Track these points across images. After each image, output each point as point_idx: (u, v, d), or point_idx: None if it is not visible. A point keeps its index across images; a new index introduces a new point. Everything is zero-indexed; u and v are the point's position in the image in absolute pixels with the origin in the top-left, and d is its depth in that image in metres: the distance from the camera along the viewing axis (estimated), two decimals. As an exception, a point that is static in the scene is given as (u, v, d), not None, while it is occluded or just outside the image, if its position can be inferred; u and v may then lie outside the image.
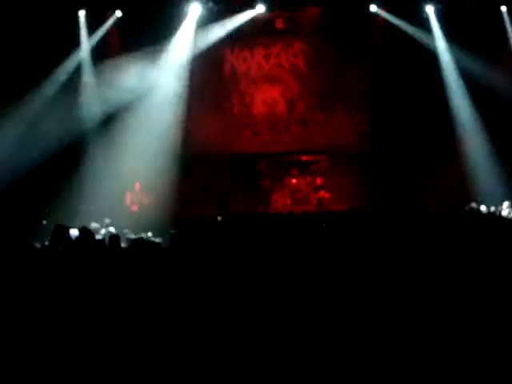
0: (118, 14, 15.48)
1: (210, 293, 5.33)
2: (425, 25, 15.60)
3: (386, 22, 15.83)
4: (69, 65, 15.16)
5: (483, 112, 15.17)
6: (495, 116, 15.09)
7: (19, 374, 4.52)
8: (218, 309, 5.10)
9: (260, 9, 15.87)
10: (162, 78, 15.68)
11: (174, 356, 4.69)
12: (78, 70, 15.32)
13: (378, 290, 5.30)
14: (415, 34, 15.52)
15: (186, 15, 15.60)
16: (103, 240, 8.16)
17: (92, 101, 15.36)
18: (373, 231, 8.01)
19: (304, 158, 16.92)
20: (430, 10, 15.59)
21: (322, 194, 16.04)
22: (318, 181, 16.33)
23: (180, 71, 15.80)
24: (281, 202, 16.32)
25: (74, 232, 7.90)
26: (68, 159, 14.74)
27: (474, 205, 12.36)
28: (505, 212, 12.54)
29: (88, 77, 15.45)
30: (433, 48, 15.61)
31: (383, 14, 15.79)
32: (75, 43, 15.27)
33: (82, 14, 15.21)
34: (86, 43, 15.41)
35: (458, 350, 4.58)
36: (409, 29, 15.53)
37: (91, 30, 15.39)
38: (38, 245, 8.14)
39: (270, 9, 16.02)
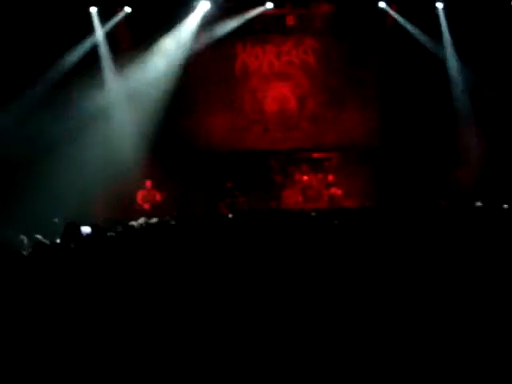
0: (128, 9, 15.54)
1: (221, 289, 5.31)
2: (433, 22, 15.56)
3: (395, 19, 15.83)
4: (72, 61, 15.17)
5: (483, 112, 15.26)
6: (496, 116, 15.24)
7: (27, 372, 4.52)
8: (230, 305, 5.08)
9: (269, 5, 15.86)
10: (170, 73, 15.68)
11: (180, 354, 4.67)
12: (81, 67, 15.28)
13: (390, 287, 5.27)
14: (421, 37, 15.53)
15: (195, 11, 15.62)
16: (114, 237, 8.16)
17: (100, 93, 15.38)
18: (385, 228, 7.97)
19: (315, 154, 16.90)
20: (439, 6, 15.53)
21: (334, 190, 15.98)
22: (330, 177, 16.26)
23: (189, 67, 15.82)
24: (292, 198, 16.27)
25: (85, 229, 7.89)
26: (73, 156, 14.68)
27: (480, 203, 12.31)
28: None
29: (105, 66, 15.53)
30: (440, 51, 15.61)
31: (391, 12, 15.80)
32: (82, 39, 15.27)
33: (93, 10, 15.31)
34: (100, 36, 15.49)
35: (473, 345, 4.54)
36: (416, 32, 15.53)
37: (101, 25, 15.48)
38: (47, 241, 8.13)
39: (280, 5, 16.01)
